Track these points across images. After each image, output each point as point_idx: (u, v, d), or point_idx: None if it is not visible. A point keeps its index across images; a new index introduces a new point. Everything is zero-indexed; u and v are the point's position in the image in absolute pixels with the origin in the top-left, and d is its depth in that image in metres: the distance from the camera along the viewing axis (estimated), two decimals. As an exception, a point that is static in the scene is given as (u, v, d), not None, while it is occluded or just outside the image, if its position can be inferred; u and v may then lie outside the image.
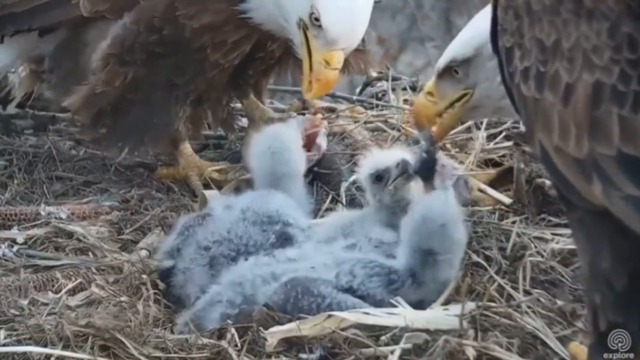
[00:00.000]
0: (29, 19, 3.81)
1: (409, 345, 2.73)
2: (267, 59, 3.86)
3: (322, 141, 3.83)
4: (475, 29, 3.12)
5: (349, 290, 2.90)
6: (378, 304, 2.89)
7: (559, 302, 2.90)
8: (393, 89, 4.66)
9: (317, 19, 3.42)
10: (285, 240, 3.16)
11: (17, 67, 4.18)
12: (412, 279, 2.93)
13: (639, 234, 2.12)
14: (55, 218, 3.57)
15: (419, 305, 2.90)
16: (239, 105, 4.23)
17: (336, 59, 3.44)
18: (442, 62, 3.22)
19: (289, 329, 2.79)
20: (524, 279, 3.02)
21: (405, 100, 4.54)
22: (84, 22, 3.78)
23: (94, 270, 3.22)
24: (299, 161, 3.39)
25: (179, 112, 3.82)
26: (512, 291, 2.96)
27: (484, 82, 3.16)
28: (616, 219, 2.16)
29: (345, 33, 3.46)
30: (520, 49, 2.35)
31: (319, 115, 4.01)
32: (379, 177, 3.19)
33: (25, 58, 4.06)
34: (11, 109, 4.39)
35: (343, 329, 2.77)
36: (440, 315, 2.83)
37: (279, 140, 3.35)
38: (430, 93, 3.26)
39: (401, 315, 2.82)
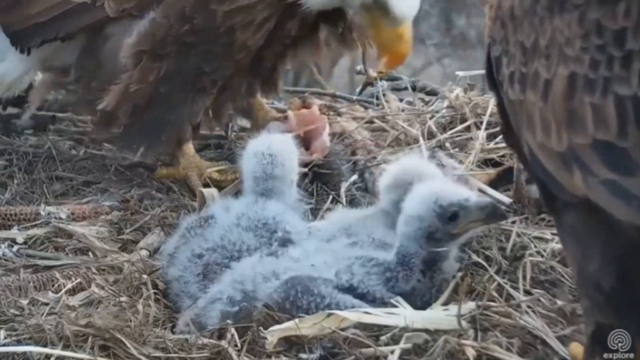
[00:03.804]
0: (56, 28, 3.77)
1: (409, 345, 2.72)
2: (284, 39, 3.86)
3: (326, 138, 3.84)
4: None
5: (349, 289, 2.90)
6: (378, 301, 2.90)
7: (559, 302, 2.91)
8: (393, 89, 4.66)
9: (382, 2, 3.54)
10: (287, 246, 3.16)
11: (35, 74, 4.17)
12: (402, 267, 2.93)
13: (625, 228, 2.13)
14: (55, 218, 3.57)
15: (412, 295, 2.91)
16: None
17: (407, 32, 3.59)
18: None
19: (289, 327, 2.79)
20: (524, 278, 3.02)
21: (401, 100, 4.55)
22: (107, 23, 3.76)
23: (94, 270, 3.22)
24: (292, 171, 3.34)
25: (199, 105, 3.82)
26: (512, 291, 2.96)
27: None
28: (602, 218, 2.18)
29: (409, 7, 3.58)
30: (507, 55, 2.37)
31: (315, 107, 4.03)
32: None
33: (46, 67, 4.02)
34: (26, 117, 4.38)
35: (343, 329, 2.77)
36: (440, 315, 2.83)
37: (276, 147, 3.31)
38: None
39: (401, 315, 2.82)
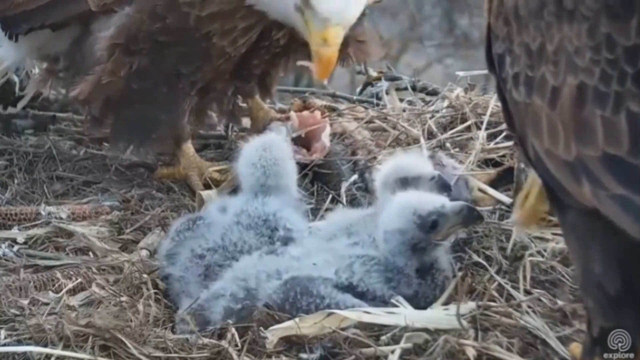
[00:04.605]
0: (42, 16, 3.81)
1: (409, 345, 2.72)
2: (272, 47, 3.86)
3: (326, 140, 3.83)
4: None
5: (349, 287, 2.90)
6: (378, 299, 2.90)
7: (560, 302, 2.90)
8: (393, 89, 4.67)
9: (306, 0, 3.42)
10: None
11: (26, 64, 4.18)
12: (402, 274, 2.94)
13: (629, 233, 2.12)
14: (56, 218, 3.56)
15: (415, 298, 2.92)
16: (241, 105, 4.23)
17: (332, 36, 3.41)
18: None
19: (290, 326, 2.78)
20: (524, 278, 3.02)
21: (401, 100, 4.55)
22: (92, 16, 3.77)
23: (94, 270, 3.21)
24: (290, 174, 3.33)
25: (185, 105, 3.82)
26: (512, 291, 2.96)
27: None
28: (607, 222, 2.17)
29: (335, 8, 3.43)
30: (511, 54, 2.36)
31: (318, 112, 4.02)
32: (403, 182, 3.17)
33: (37, 55, 4.06)
34: (20, 105, 4.39)
35: (343, 329, 2.77)
36: (441, 315, 2.83)
37: (270, 153, 3.29)
38: None
39: (401, 314, 2.82)
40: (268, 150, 3.29)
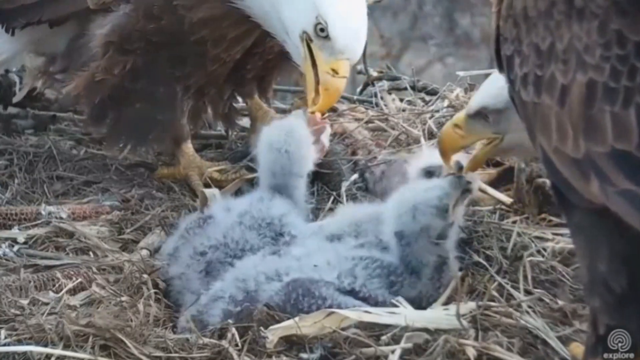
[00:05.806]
0: (39, 11, 3.80)
1: (409, 345, 2.72)
2: (265, 54, 3.86)
3: (325, 140, 3.83)
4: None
5: (351, 292, 2.91)
6: (380, 305, 2.89)
7: (560, 302, 2.91)
8: (393, 89, 4.66)
9: (322, 30, 3.41)
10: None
11: (24, 59, 4.18)
12: (410, 274, 2.93)
13: (636, 229, 2.13)
14: (56, 218, 3.56)
15: (417, 300, 2.91)
16: (240, 105, 4.23)
17: (344, 67, 3.43)
18: (473, 106, 3.14)
19: (290, 325, 2.78)
20: (525, 278, 3.02)
21: (401, 100, 4.55)
22: (91, 14, 3.77)
23: (94, 269, 3.22)
24: (310, 160, 3.36)
25: (184, 105, 3.83)
26: (512, 291, 2.96)
27: (514, 132, 3.06)
28: (614, 220, 2.17)
29: (351, 42, 3.45)
30: (520, 55, 2.37)
31: (319, 114, 4.01)
32: (429, 173, 3.20)
33: (39, 52, 4.05)
34: (17, 99, 4.38)
35: (343, 329, 2.77)
36: (441, 315, 2.83)
37: (294, 138, 3.30)
38: (457, 125, 3.16)
39: (401, 314, 2.82)
40: (292, 136, 3.29)
